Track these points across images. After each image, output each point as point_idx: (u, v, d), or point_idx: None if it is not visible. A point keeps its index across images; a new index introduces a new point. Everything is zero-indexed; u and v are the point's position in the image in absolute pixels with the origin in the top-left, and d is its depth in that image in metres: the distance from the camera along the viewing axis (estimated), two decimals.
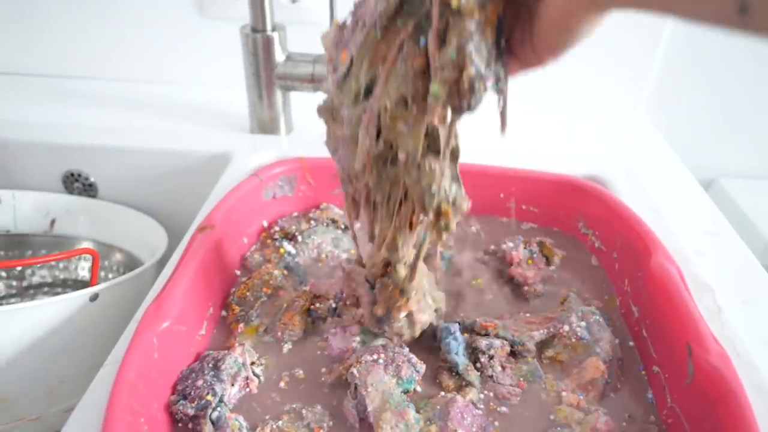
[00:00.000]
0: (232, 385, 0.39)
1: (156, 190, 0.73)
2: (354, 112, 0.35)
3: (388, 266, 0.42)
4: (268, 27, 0.65)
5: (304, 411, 0.38)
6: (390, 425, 0.35)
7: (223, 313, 0.47)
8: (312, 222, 0.57)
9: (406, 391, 0.39)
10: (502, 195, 0.59)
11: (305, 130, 0.73)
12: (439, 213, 0.36)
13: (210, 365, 0.39)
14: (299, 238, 0.55)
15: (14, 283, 0.71)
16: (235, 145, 0.69)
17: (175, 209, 0.74)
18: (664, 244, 0.47)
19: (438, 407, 0.37)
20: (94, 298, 0.51)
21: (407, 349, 0.41)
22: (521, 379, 0.41)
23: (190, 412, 0.36)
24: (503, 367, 0.41)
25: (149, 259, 0.63)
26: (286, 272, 0.50)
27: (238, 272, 0.52)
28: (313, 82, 0.67)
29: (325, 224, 0.57)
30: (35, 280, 0.72)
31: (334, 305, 0.46)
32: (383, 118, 0.34)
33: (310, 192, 0.60)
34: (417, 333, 0.42)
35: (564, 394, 0.40)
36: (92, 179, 0.74)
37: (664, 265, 0.44)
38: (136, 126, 0.75)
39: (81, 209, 0.73)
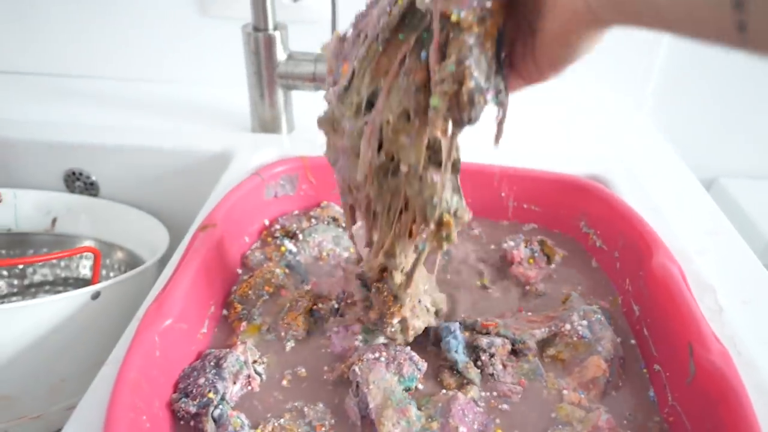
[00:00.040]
0: (234, 383, 0.39)
1: (157, 189, 0.73)
2: (356, 124, 0.36)
3: (384, 271, 0.42)
4: (270, 26, 0.65)
5: (305, 409, 0.38)
6: (392, 422, 0.35)
7: (225, 311, 0.47)
8: (313, 220, 0.57)
9: (407, 389, 0.39)
10: (503, 194, 0.59)
11: (306, 129, 0.73)
12: (440, 224, 0.36)
13: (212, 363, 0.39)
14: (300, 236, 0.55)
15: (15, 281, 0.71)
16: (237, 144, 0.69)
17: (177, 208, 0.74)
18: (665, 244, 0.47)
19: (439, 404, 0.37)
20: (95, 296, 0.51)
21: (409, 348, 0.41)
22: (522, 377, 0.41)
23: (192, 409, 0.36)
24: (504, 366, 0.42)
25: (150, 257, 0.63)
26: (287, 271, 0.50)
27: (239, 271, 0.52)
28: (315, 81, 0.67)
29: (326, 222, 0.57)
30: (36, 278, 0.72)
31: (336, 305, 0.47)
32: (385, 131, 0.34)
33: (311, 191, 0.60)
34: (410, 338, 0.42)
35: (565, 392, 0.40)
36: (93, 178, 0.74)
37: (665, 265, 0.44)
38: (138, 125, 0.75)
39: (82, 208, 0.73)
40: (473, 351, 0.42)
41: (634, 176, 0.63)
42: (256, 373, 0.41)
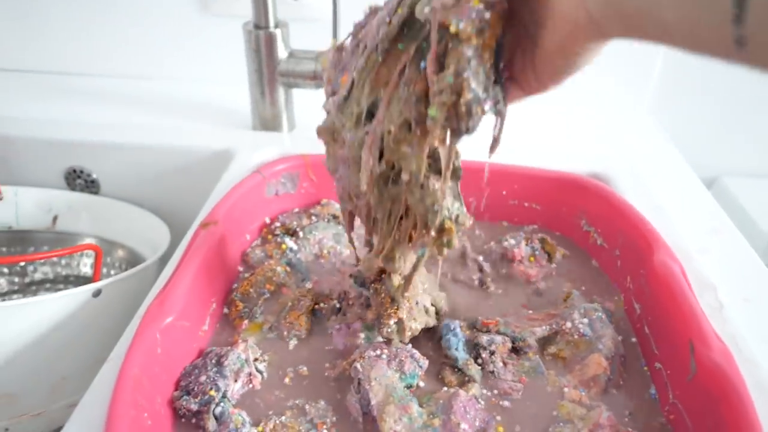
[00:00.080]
0: (235, 381, 0.39)
1: (158, 186, 0.73)
2: (356, 134, 0.36)
3: (383, 272, 0.43)
4: (271, 24, 0.65)
5: (307, 406, 0.38)
6: (393, 418, 0.35)
7: (226, 309, 0.47)
8: (313, 218, 0.57)
9: (409, 386, 0.39)
10: (504, 192, 0.59)
11: (307, 127, 0.73)
12: (441, 230, 0.36)
13: (213, 361, 0.39)
14: (300, 234, 0.55)
15: (16, 279, 0.71)
16: (238, 142, 0.69)
17: (178, 206, 0.74)
18: (666, 242, 0.47)
19: (441, 401, 0.37)
20: (97, 293, 0.51)
21: (410, 345, 0.41)
22: (523, 375, 0.41)
23: (194, 407, 0.36)
24: (504, 363, 0.42)
25: (151, 255, 0.63)
26: (288, 269, 0.50)
27: (240, 268, 0.52)
28: (316, 79, 0.67)
29: (326, 220, 0.57)
30: (37, 276, 0.72)
31: (338, 305, 0.47)
32: (387, 140, 0.34)
33: (312, 189, 0.60)
34: (406, 339, 0.42)
35: (566, 390, 0.40)
36: (94, 176, 0.74)
37: (666, 263, 0.44)
38: (139, 123, 0.75)
39: (83, 206, 0.73)
40: (474, 349, 0.42)
41: (635, 174, 0.63)
42: (257, 371, 0.41)
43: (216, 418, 0.36)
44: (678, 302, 0.41)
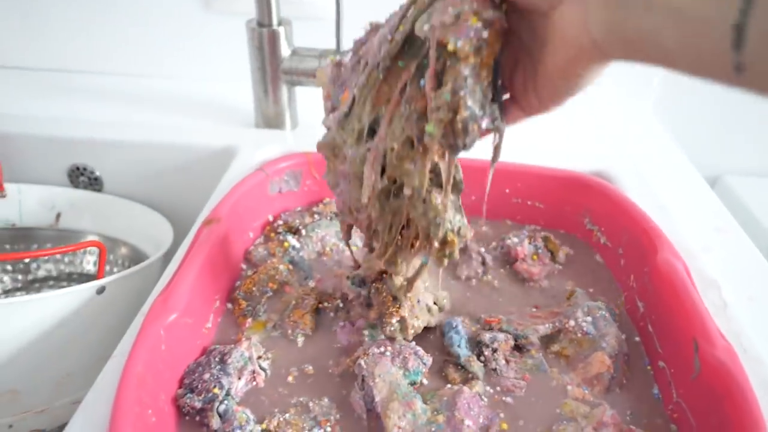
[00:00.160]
0: (239, 378, 0.39)
1: (161, 184, 0.73)
2: (358, 151, 0.36)
3: (384, 272, 0.43)
4: (274, 21, 0.65)
5: (310, 404, 0.38)
6: (398, 415, 0.35)
7: (229, 305, 0.47)
8: (316, 216, 0.57)
9: (412, 383, 0.39)
10: (507, 190, 0.59)
11: (310, 125, 0.73)
12: (444, 242, 0.37)
13: (216, 359, 0.39)
14: (303, 231, 0.55)
15: (20, 276, 0.71)
16: (241, 140, 0.69)
17: (181, 203, 0.74)
18: (670, 240, 0.47)
19: (445, 398, 0.37)
20: (101, 290, 0.51)
21: (414, 342, 0.41)
22: (526, 372, 0.41)
23: (198, 405, 0.36)
24: (507, 361, 0.42)
25: (154, 253, 0.63)
26: (290, 267, 0.50)
27: (243, 266, 0.52)
28: None
29: (328, 218, 0.57)
30: (41, 273, 0.72)
31: (341, 304, 0.47)
32: (389, 157, 0.35)
33: (315, 186, 0.60)
34: (410, 337, 0.42)
35: (569, 388, 0.40)
36: (97, 173, 0.74)
37: (670, 261, 0.44)
38: (142, 120, 0.75)
39: (86, 203, 0.73)
40: (476, 346, 0.42)
41: (638, 173, 0.63)
42: (261, 368, 0.41)
43: (220, 415, 0.36)
44: (682, 300, 0.41)
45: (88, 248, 0.72)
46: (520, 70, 0.32)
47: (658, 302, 0.44)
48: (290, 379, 0.41)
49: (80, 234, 0.73)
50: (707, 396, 0.35)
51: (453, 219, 0.37)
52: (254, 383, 0.40)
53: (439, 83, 0.30)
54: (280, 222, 0.57)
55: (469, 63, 0.29)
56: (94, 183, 0.74)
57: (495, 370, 0.41)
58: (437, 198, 0.35)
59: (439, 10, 0.29)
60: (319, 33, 0.72)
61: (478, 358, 0.42)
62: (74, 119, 0.74)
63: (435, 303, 0.45)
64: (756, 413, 0.32)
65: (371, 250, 0.42)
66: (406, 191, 0.35)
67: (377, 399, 0.36)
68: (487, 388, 0.40)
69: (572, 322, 0.43)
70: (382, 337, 0.43)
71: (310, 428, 0.36)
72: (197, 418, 0.37)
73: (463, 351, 0.42)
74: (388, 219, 0.38)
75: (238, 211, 0.52)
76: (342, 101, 0.36)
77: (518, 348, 0.43)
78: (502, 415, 0.38)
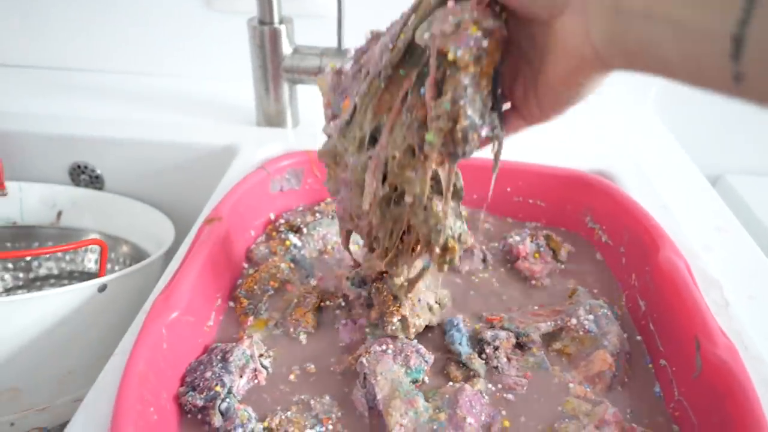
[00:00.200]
0: (241, 376, 0.39)
1: (162, 182, 0.73)
2: (359, 159, 0.36)
3: (384, 272, 0.43)
4: (276, 20, 0.65)
5: (312, 402, 0.38)
6: (399, 412, 0.35)
7: (231, 303, 0.47)
8: (317, 214, 0.57)
9: (414, 381, 0.39)
10: (509, 189, 0.59)
11: (312, 123, 0.73)
12: (445, 249, 0.37)
13: (218, 357, 0.39)
14: (304, 230, 0.55)
15: (21, 274, 0.72)
16: (242, 138, 0.69)
17: (182, 202, 0.74)
18: (671, 239, 0.47)
19: (447, 396, 0.37)
20: (102, 288, 0.51)
21: (416, 341, 0.41)
22: (528, 370, 0.41)
23: (199, 403, 0.36)
24: (509, 359, 0.42)
25: (156, 251, 0.63)
26: (292, 265, 0.50)
27: (245, 265, 0.52)
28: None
29: (330, 216, 0.57)
30: (42, 271, 0.73)
31: (343, 303, 0.47)
32: (391, 165, 0.35)
33: (317, 185, 0.60)
34: (411, 336, 0.42)
35: (571, 386, 0.40)
36: (99, 171, 0.74)
37: (671, 259, 0.44)
38: (143, 119, 0.75)
39: (87, 201, 0.73)
40: (478, 344, 0.43)
41: (640, 172, 0.63)
42: (263, 366, 0.41)
43: (222, 413, 0.36)
44: (683, 299, 0.41)
45: (90, 246, 0.72)
46: (521, 79, 0.32)
47: (659, 301, 0.44)
48: (292, 377, 0.41)
49: (81, 232, 0.73)
50: (709, 394, 0.35)
51: (453, 226, 0.37)
52: (256, 381, 0.40)
53: (439, 92, 0.30)
54: (282, 220, 0.57)
55: (468, 72, 0.29)
56: (95, 181, 0.75)
57: (497, 367, 0.41)
58: (438, 205, 0.36)
59: (440, 19, 0.29)
60: (321, 31, 0.72)
61: (480, 356, 0.42)
62: (75, 117, 0.74)
63: (436, 301, 0.45)
64: (757, 412, 0.32)
65: (371, 250, 0.43)
66: (407, 199, 0.35)
67: (379, 397, 0.36)
68: (489, 385, 0.40)
69: (574, 320, 0.43)
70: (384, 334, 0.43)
71: (311, 426, 0.37)
72: (199, 416, 0.37)
73: (464, 349, 0.42)
74: (389, 226, 0.38)
75: (240, 210, 0.52)
76: (343, 109, 0.37)
77: (520, 346, 0.43)
78: (504, 412, 0.38)
